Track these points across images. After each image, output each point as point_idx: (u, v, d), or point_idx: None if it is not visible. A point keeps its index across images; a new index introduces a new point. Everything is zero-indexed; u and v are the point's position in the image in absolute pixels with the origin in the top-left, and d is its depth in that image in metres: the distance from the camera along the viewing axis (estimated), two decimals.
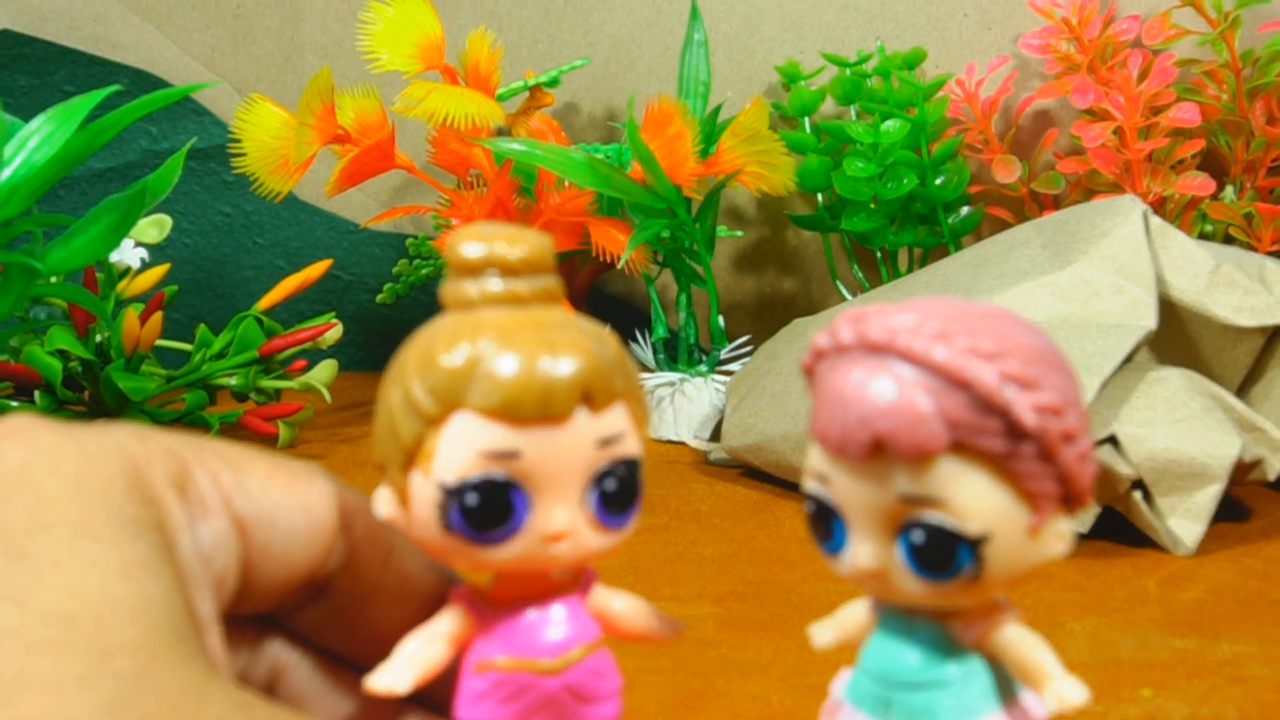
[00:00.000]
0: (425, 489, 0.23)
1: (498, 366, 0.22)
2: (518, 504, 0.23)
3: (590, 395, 0.23)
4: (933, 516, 0.21)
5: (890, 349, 0.21)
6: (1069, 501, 0.22)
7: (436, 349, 0.23)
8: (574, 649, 0.24)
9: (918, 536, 0.21)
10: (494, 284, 0.23)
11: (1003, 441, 0.21)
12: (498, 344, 0.22)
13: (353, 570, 0.25)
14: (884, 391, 0.21)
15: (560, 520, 0.23)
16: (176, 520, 0.21)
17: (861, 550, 0.22)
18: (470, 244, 0.23)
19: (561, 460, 0.23)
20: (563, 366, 0.22)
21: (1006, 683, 0.23)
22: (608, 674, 0.25)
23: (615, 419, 0.23)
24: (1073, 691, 0.21)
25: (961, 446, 0.21)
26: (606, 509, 0.23)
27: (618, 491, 0.23)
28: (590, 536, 0.23)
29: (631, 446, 0.24)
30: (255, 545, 0.23)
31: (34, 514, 0.19)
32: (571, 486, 0.23)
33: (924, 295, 0.23)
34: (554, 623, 0.24)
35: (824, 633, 0.25)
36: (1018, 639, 0.22)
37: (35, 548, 0.19)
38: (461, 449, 0.22)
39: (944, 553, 0.21)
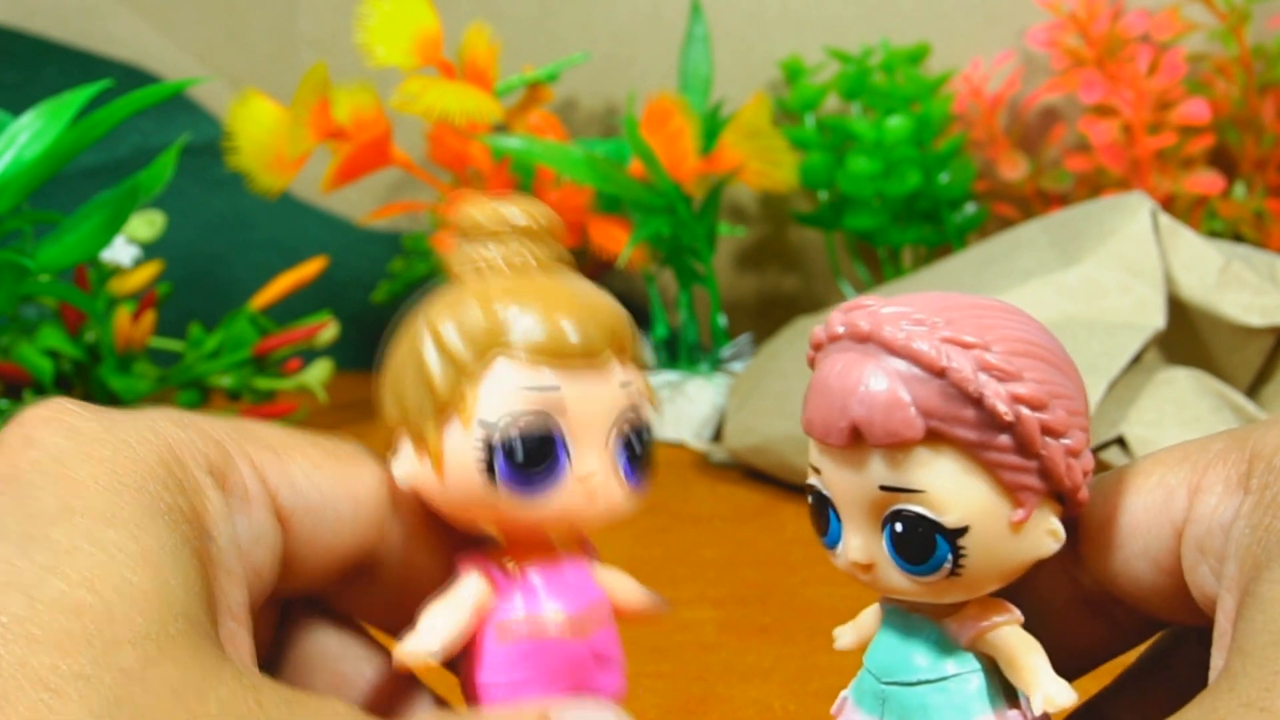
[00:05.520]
0: (466, 439, 0.23)
1: (537, 313, 0.23)
2: (559, 445, 0.23)
3: (620, 345, 0.24)
4: (912, 507, 0.21)
5: (873, 338, 0.21)
6: (1062, 499, 0.22)
7: (471, 303, 0.23)
8: (597, 610, 0.25)
9: (898, 527, 0.21)
10: (515, 248, 0.24)
11: (977, 432, 0.21)
12: (533, 296, 0.23)
13: (402, 553, 0.25)
14: (862, 379, 0.21)
15: (593, 465, 0.24)
16: (214, 511, 0.21)
17: (852, 542, 0.22)
18: (489, 210, 0.24)
19: (596, 403, 0.24)
20: (597, 314, 0.24)
21: (1008, 687, 0.23)
22: (617, 640, 0.25)
23: (638, 378, 0.24)
24: (1060, 694, 0.21)
25: (939, 436, 0.21)
26: (630, 464, 0.24)
27: (640, 448, 0.24)
28: (617, 490, 0.24)
29: (648, 414, 0.25)
30: (299, 535, 0.23)
31: (61, 500, 0.19)
32: (602, 434, 0.24)
33: (905, 295, 0.23)
34: (576, 585, 0.25)
35: (845, 635, 0.25)
36: (1010, 640, 0.22)
37: (56, 534, 0.19)
38: (504, 388, 0.23)
39: (923, 544, 0.21)
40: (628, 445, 0.24)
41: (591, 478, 0.24)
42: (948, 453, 0.21)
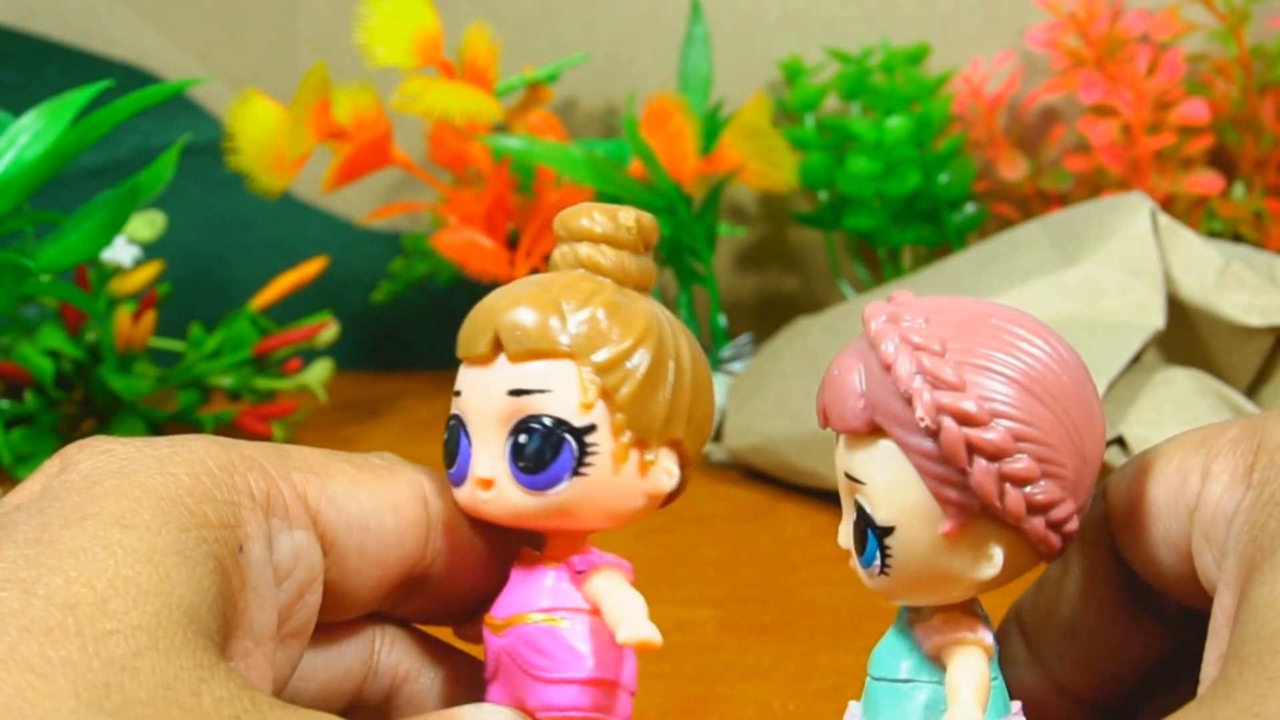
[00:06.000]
0: None
1: (477, 312, 0.25)
2: (463, 444, 0.24)
3: (504, 341, 0.24)
4: (859, 498, 0.22)
5: (865, 330, 0.22)
6: (1028, 535, 0.21)
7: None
8: (518, 613, 0.24)
9: (854, 516, 0.22)
10: (570, 252, 0.25)
11: (904, 432, 0.21)
12: (498, 295, 0.24)
13: (444, 554, 0.26)
14: (837, 365, 0.22)
15: (483, 466, 0.24)
16: (248, 528, 0.22)
17: (842, 528, 0.23)
18: (572, 215, 0.25)
19: (480, 401, 0.24)
20: (499, 311, 0.24)
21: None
22: (553, 654, 0.24)
23: (540, 375, 0.23)
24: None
25: (881, 433, 0.21)
26: (517, 464, 0.24)
27: (527, 448, 0.23)
28: (514, 492, 0.24)
29: (555, 408, 0.23)
30: (349, 552, 0.24)
31: (79, 508, 0.20)
32: (494, 434, 0.24)
33: (940, 295, 0.23)
34: (517, 584, 0.25)
35: None
36: (956, 660, 0.22)
37: (64, 536, 0.19)
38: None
39: (861, 537, 0.22)
40: (516, 445, 0.24)
41: (487, 484, 0.24)
42: (890, 450, 0.21)
